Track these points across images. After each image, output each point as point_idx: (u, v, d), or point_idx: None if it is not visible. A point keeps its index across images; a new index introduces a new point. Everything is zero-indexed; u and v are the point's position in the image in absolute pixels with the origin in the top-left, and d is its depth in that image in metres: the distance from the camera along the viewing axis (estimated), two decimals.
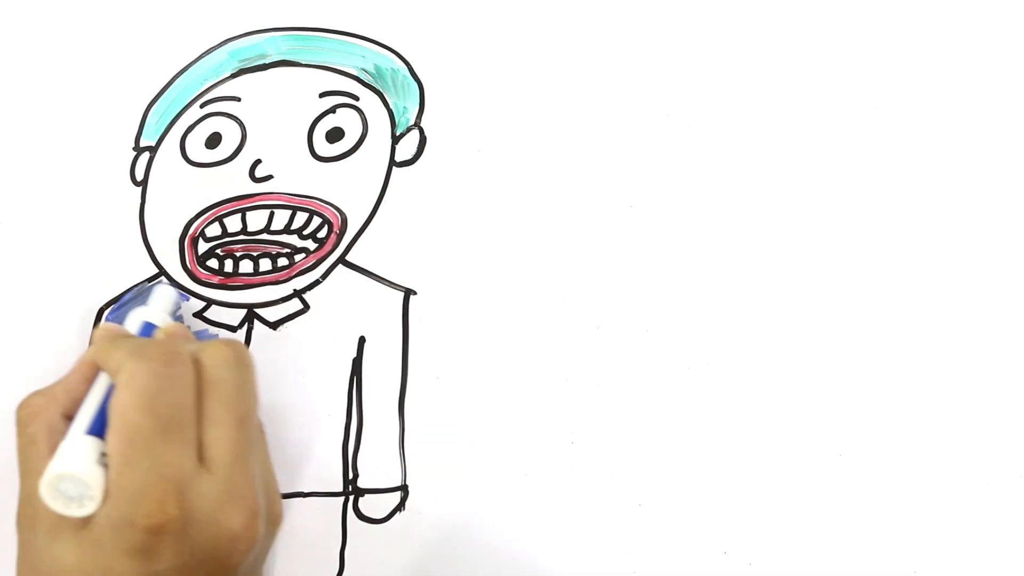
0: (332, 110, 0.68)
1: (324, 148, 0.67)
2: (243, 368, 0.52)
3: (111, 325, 0.58)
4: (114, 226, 0.66)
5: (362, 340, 0.62)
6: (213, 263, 0.64)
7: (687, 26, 0.68)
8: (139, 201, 0.67)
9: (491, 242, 0.63)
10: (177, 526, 0.46)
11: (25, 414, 0.51)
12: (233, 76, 0.70)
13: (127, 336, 0.54)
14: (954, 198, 0.62)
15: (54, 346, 0.63)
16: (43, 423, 0.50)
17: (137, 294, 0.64)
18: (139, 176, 0.68)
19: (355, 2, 0.71)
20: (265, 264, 0.64)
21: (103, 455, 0.47)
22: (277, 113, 0.68)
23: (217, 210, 0.65)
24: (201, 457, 0.48)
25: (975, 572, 0.54)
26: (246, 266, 0.64)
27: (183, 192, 0.66)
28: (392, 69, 0.69)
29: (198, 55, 0.70)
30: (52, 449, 0.48)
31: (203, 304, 0.64)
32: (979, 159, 0.63)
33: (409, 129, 0.67)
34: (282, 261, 0.64)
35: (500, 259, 0.63)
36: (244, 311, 0.63)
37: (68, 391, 0.51)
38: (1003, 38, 0.66)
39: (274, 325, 0.63)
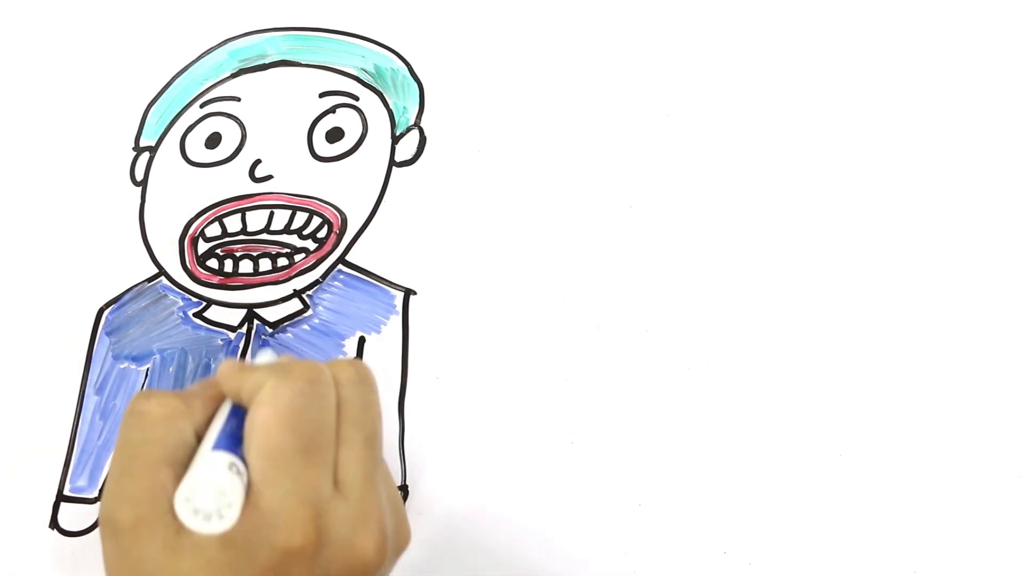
0: (332, 110, 0.68)
1: (324, 148, 0.67)
2: (367, 387, 0.50)
3: (234, 359, 0.54)
4: (114, 226, 0.66)
5: (362, 340, 0.62)
6: (213, 263, 0.64)
7: (687, 26, 0.68)
8: (139, 201, 0.67)
9: (491, 242, 0.63)
10: (313, 549, 0.43)
11: (161, 413, 0.46)
12: (233, 76, 0.70)
13: (260, 365, 0.50)
14: (953, 198, 0.62)
15: (54, 346, 0.63)
16: (176, 429, 0.46)
17: (137, 294, 0.64)
18: (139, 176, 0.68)
19: (355, 2, 0.71)
20: (265, 264, 0.64)
21: (240, 474, 0.44)
22: (277, 113, 0.68)
23: (217, 210, 0.65)
24: (334, 479, 0.46)
25: (975, 572, 0.54)
26: (246, 266, 0.64)
27: (183, 192, 0.66)
28: (392, 69, 0.69)
29: (198, 55, 0.70)
30: (176, 460, 0.45)
31: (203, 304, 0.64)
32: (978, 159, 0.63)
33: (409, 129, 0.67)
34: (282, 261, 0.64)
35: (500, 259, 0.63)
36: (244, 311, 0.63)
37: (204, 407, 0.47)
38: (1003, 38, 0.66)
39: (274, 325, 0.63)
